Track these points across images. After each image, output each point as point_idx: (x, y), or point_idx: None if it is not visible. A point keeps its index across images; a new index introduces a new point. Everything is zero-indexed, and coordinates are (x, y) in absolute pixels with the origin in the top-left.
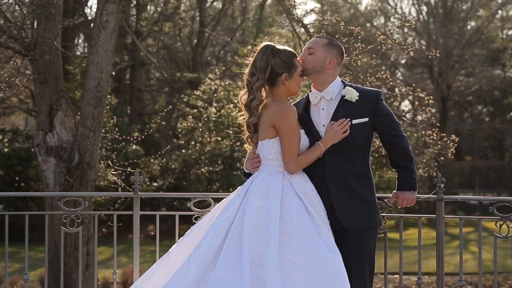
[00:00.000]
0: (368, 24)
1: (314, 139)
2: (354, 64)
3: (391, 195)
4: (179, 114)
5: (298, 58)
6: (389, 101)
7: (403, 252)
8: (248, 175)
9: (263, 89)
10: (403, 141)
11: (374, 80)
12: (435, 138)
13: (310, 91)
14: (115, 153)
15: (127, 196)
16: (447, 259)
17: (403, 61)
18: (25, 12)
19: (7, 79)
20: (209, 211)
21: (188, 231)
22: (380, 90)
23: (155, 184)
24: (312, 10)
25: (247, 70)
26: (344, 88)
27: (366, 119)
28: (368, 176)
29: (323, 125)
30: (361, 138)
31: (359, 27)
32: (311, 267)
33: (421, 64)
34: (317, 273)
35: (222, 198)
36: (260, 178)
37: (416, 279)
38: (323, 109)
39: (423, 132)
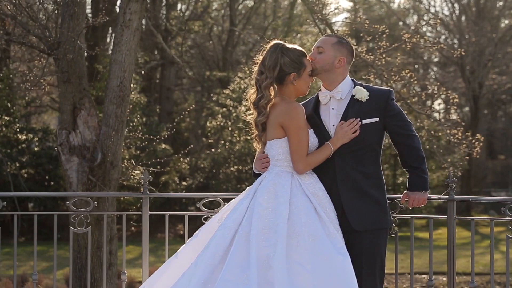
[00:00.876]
0: (400, 23)
1: (324, 139)
2: (379, 63)
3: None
4: (209, 113)
5: (307, 57)
6: (413, 100)
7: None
8: (258, 175)
9: (272, 88)
10: (414, 141)
11: (399, 78)
12: (459, 137)
13: (320, 90)
14: (139, 151)
15: (136, 196)
16: (476, 258)
17: (436, 60)
18: (49, 11)
19: (32, 78)
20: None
21: (197, 231)
22: (391, 89)
23: (184, 183)
24: (336, 9)
25: (256, 68)
26: (354, 87)
27: (377, 119)
28: (379, 176)
29: (333, 125)
30: (372, 138)
31: (384, 26)
32: (319, 268)
33: (453, 63)
34: (325, 274)
35: (232, 198)
36: (269, 179)
37: (444, 278)
38: (332, 108)
39: (448, 131)
